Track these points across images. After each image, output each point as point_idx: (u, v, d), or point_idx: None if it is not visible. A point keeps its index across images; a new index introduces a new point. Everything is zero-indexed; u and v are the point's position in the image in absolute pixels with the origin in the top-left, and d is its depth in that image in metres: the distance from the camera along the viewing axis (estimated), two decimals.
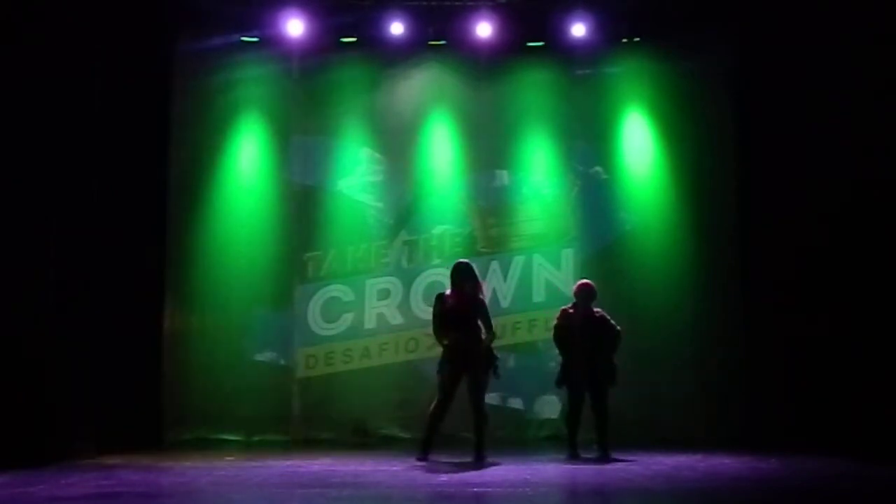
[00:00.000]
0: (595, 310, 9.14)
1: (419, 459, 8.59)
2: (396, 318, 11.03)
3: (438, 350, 8.78)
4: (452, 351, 8.63)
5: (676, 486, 7.41)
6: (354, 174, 11.23)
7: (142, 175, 10.50)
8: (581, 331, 8.98)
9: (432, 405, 8.68)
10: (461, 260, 9.12)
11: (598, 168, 11.29)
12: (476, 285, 8.78)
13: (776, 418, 10.07)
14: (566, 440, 9.19)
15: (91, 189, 9.99)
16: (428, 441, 8.67)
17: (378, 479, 7.82)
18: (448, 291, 8.81)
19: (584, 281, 9.40)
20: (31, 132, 9.37)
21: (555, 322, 9.23)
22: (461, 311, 8.65)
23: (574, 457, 8.99)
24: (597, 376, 8.98)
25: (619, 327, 9.11)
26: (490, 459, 8.64)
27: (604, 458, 8.86)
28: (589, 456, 9.02)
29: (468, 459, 8.61)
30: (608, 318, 9.12)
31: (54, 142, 9.61)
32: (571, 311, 9.16)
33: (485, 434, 8.73)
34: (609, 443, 8.99)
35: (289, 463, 8.89)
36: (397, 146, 11.28)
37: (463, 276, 8.75)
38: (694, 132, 11.09)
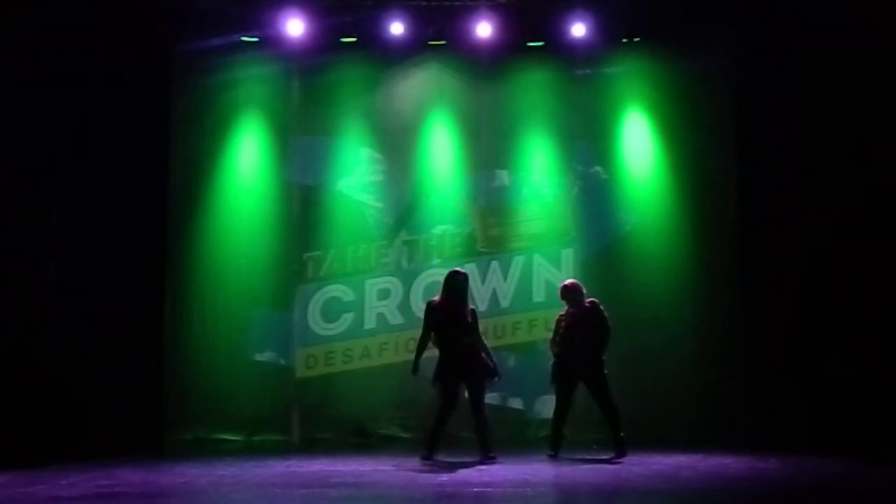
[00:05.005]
0: (587, 301, 9.12)
1: (424, 458, 8.59)
2: (396, 318, 11.02)
3: (438, 352, 8.78)
4: (454, 359, 8.65)
5: (676, 486, 7.42)
6: (354, 174, 11.22)
7: (142, 175, 10.51)
8: (583, 328, 8.97)
9: (436, 413, 8.70)
10: (460, 270, 9.17)
11: (598, 168, 11.28)
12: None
13: (776, 418, 10.07)
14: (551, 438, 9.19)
15: (91, 189, 10.01)
16: (433, 443, 8.67)
17: (378, 479, 7.82)
18: (437, 298, 8.89)
19: (564, 283, 9.44)
20: (31, 132, 9.39)
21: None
22: (457, 318, 8.69)
23: (552, 457, 8.97)
24: (592, 372, 8.95)
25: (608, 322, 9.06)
26: (493, 455, 8.64)
27: (619, 457, 8.78)
28: (590, 457, 9.02)
29: (468, 459, 8.61)
30: (601, 308, 9.07)
31: (54, 142, 9.63)
32: (562, 313, 9.18)
33: (489, 434, 8.73)
34: (624, 440, 8.91)
35: (289, 463, 8.89)
36: (397, 146, 11.28)
37: (461, 285, 8.84)
38: (694, 132, 11.09)
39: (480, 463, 8.50)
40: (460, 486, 7.35)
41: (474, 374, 8.70)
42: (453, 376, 8.68)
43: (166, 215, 10.89)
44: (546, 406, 10.40)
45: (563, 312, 9.23)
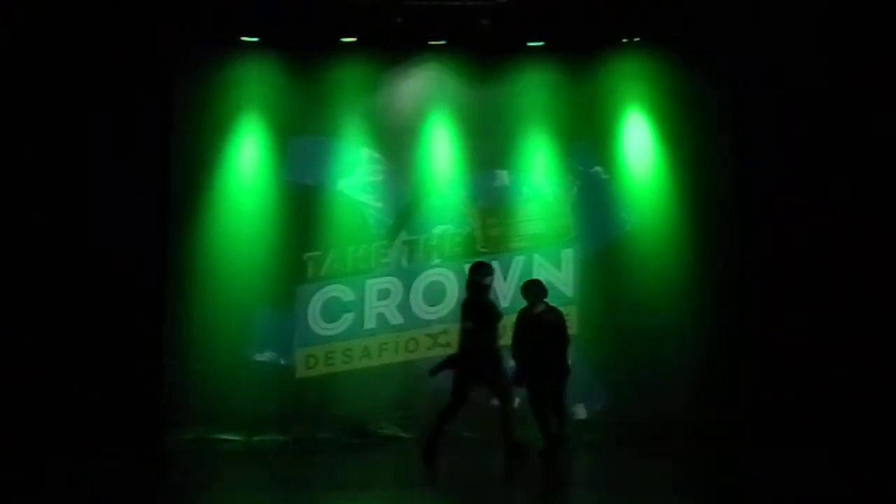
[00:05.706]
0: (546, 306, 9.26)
1: (426, 464, 8.54)
2: (396, 318, 11.02)
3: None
4: (465, 355, 8.63)
5: (676, 486, 7.43)
6: (354, 174, 11.21)
7: (142, 174, 10.50)
8: (552, 329, 9.04)
9: (441, 411, 8.66)
10: (483, 263, 9.35)
11: (598, 168, 11.28)
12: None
13: (776, 418, 10.07)
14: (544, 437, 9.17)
15: (91, 189, 10.02)
16: (432, 446, 8.54)
17: (378, 479, 7.83)
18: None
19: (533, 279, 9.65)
20: (31, 132, 9.41)
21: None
22: (471, 312, 8.72)
23: (554, 448, 8.95)
24: (560, 374, 9.01)
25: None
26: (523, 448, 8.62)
27: (550, 451, 8.81)
28: (589, 457, 9.03)
29: (469, 459, 8.61)
30: (561, 315, 9.25)
31: (54, 142, 9.64)
32: (526, 314, 9.29)
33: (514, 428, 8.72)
34: (561, 437, 8.95)
35: (289, 462, 8.89)
36: (397, 146, 11.26)
37: (474, 279, 8.94)
38: (694, 132, 11.08)
39: (508, 457, 8.41)
40: (460, 484, 7.36)
41: (488, 369, 8.64)
42: (466, 373, 8.62)
43: (166, 215, 10.88)
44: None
45: (524, 311, 9.26)
